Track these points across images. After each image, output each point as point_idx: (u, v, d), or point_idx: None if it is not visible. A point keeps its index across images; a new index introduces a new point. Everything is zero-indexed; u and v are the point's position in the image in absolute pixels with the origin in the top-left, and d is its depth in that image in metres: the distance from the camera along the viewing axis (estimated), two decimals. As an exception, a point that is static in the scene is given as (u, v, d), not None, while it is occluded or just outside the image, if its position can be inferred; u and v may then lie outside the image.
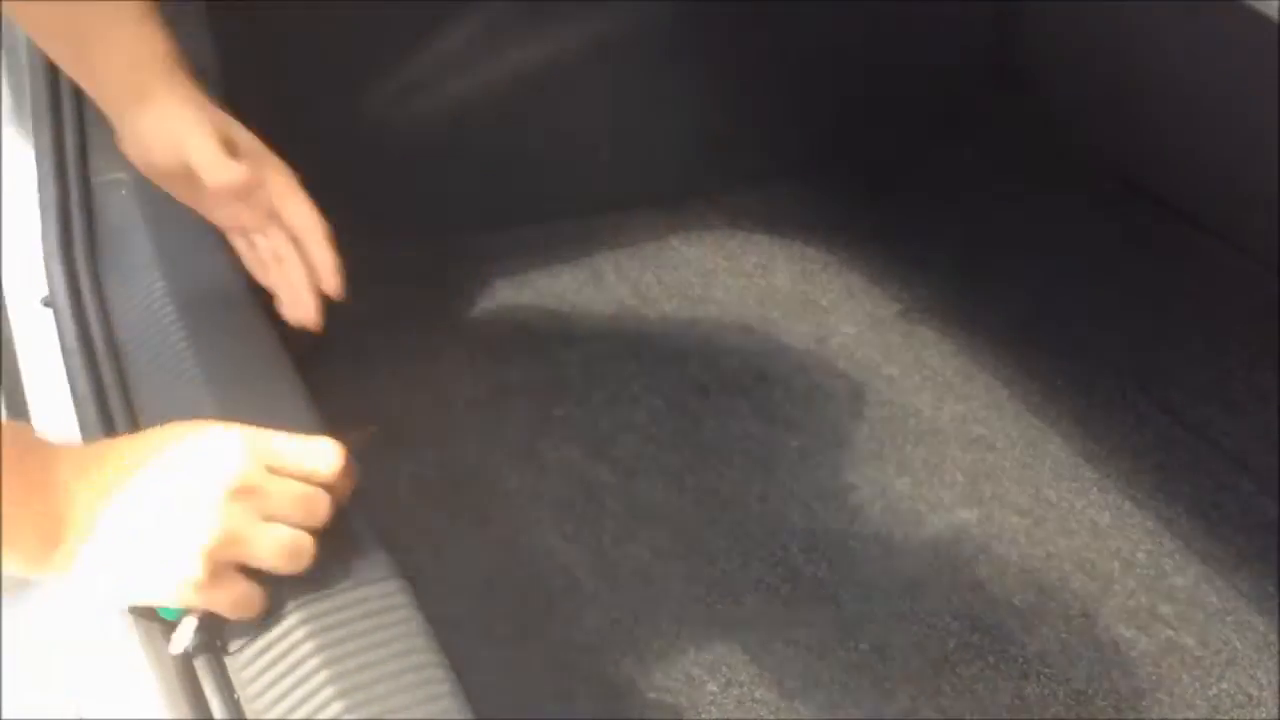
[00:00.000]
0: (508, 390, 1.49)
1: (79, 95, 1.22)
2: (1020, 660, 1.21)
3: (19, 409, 1.09)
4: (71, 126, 1.22)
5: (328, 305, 1.06)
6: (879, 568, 1.31)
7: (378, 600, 0.80)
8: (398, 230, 1.63)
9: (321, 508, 0.77)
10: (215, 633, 0.76)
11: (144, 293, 1.10)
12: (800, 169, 1.81)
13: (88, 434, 0.99)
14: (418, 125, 1.64)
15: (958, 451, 1.44)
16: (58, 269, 1.13)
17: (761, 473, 1.41)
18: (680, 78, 1.71)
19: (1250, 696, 1.19)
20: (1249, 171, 1.59)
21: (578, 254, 1.70)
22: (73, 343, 1.07)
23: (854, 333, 1.60)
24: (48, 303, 1.13)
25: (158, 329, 1.07)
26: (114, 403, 1.01)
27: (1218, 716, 1.17)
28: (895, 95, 1.84)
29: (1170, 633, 1.25)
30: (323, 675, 0.72)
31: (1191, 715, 1.17)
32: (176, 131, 0.95)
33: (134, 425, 1.00)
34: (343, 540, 0.81)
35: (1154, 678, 1.20)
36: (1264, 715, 1.16)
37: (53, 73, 1.22)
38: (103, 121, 1.18)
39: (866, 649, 1.22)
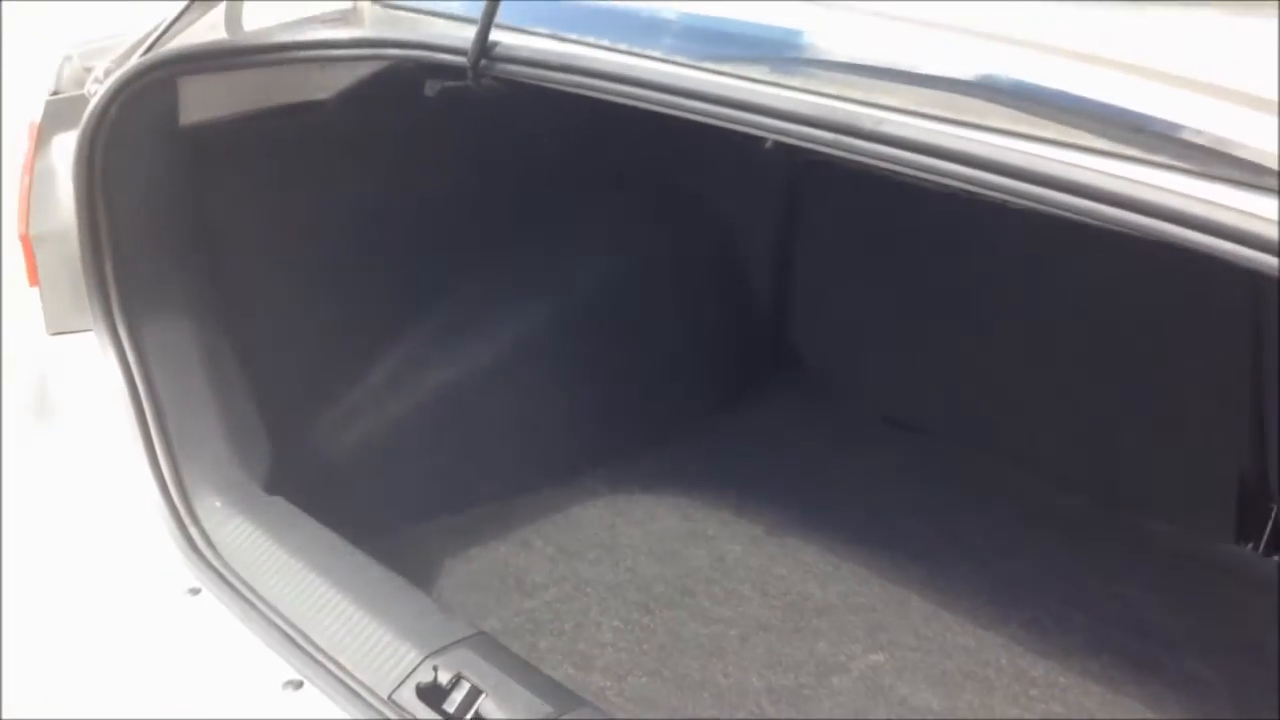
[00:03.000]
0: (495, 636, 1.82)
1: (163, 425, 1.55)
2: (953, 742, 1.65)
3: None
4: (164, 453, 1.54)
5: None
6: (829, 704, 1.72)
7: None
8: (350, 531, 1.96)
9: None
10: None
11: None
12: (656, 441, 2.28)
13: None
14: (358, 443, 2.00)
15: (851, 616, 1.89)
16: (201, 565, 1.44)
17: (717, 657, 1.80)
18: (561, 380, 2.17)
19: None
20: (988, 408, 2.21)
21: (504, 530, 2.07)
22: (245, 611, 1.37)
23: (740, 549, 2.05)
24: (195, 590, 1.43)
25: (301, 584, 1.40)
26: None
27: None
28: (713, 378, 2.38)
29: (1043, 705, 1.72)
30: None
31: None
32: None
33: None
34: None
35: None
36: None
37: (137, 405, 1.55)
38: (193, 445, 1.53)
39: (841, 762, 1.62)
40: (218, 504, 1.54)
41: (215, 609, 1.41)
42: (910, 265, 2.24)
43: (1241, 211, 0.92)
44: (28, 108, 1.62)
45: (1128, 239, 1.02)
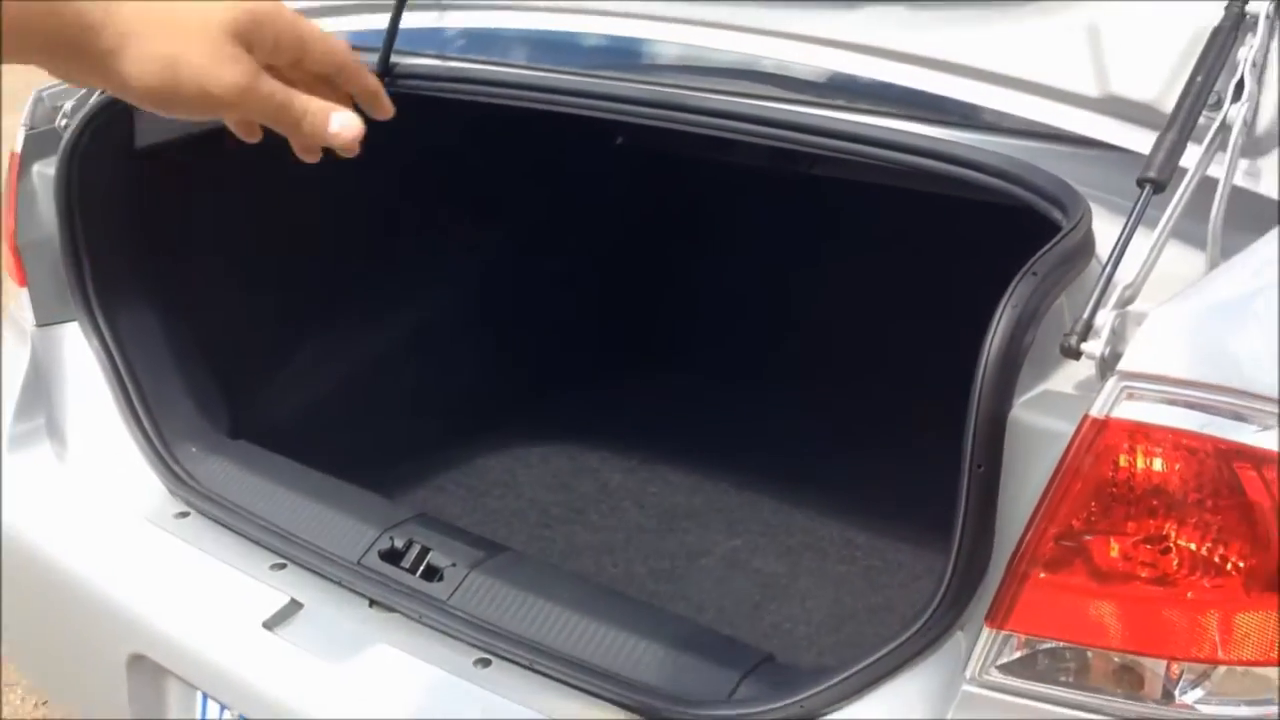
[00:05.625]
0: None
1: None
2: (796, 594, 2.09)
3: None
4: (144, 413, 1.89)
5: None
6: (698, 577, 2.15)
7: None
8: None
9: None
10: None
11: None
12: (546, 399, 2.68)
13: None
14: (293, 413, 2.35)
15: (712, 515, 2.33)
16: (186, 491, 1.80)
17: (606, 554, 2.22)
18: (465, 352, 2.55)
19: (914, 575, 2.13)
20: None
21: (420, 481, 2.45)
22: (229, 518, 1.74)
23: (620, 477, 2.47)
24: (184, 514, 1.78)
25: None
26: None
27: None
28: (593, 343, 2.80)
29: (865, 562, 2.18)
30: None
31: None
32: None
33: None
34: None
35: (854, 576, 2.13)
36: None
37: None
38: (167, 406, 1.88)
39: (712, 615, 2.05)
40: (193, 449, 1.89)
41: (201, 525, 1.77)
42: (757, 242, 2.71)
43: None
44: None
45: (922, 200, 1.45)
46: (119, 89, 0.78)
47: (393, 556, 1.63)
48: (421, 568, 1.61)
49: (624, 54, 1.83)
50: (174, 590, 1.69)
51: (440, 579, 1.59)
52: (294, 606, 1.60)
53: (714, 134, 1.58)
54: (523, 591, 1.55)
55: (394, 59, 1.83)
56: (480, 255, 2.57)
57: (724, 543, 2.25)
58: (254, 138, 0.91)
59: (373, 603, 1.59)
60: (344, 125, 0.86)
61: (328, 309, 2.34)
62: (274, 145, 2.09)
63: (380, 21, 1.83)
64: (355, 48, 1.98)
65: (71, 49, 0.76)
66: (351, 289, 2.36)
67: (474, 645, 1.50)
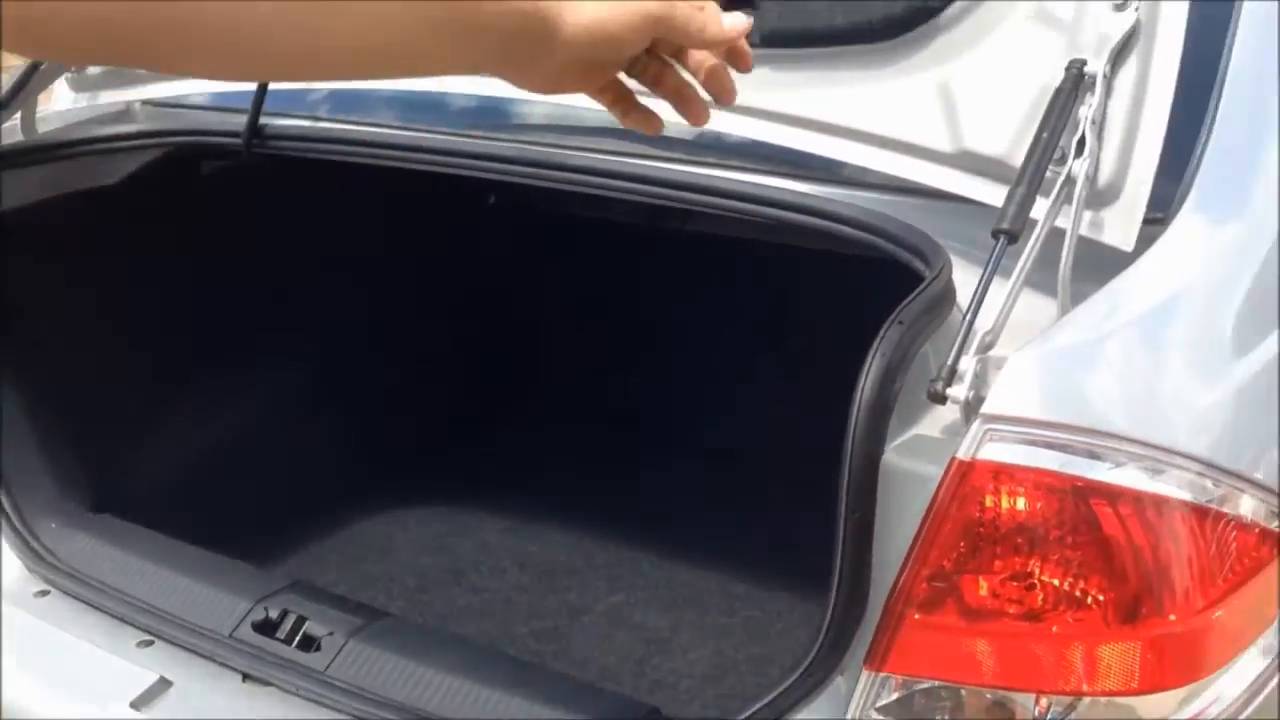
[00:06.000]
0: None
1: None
2: (679, 648, 2.10)
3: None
4: (4, 492, 1.83)
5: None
6: (581, 636, 2.14)
7: None
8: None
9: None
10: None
11: None
12: (422, 459, 2.65)
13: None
14: (160, 483, 2.28)
15: (593, 573, 2.32)
16: (46, 569, 1.74)
17: (486, 617, 2.20)
18: (335, 415, 2.51)
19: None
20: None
21: (294, 549, 2.39)
22: (92, 595, 1.68)
23: (499, 537, 2.45)
24: (44, 592, 1.72)
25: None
26: None
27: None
28: (469, 401, 2.79)
29: (745, 612, 2.19)
30: None
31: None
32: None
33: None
34: None
35: (734, 628, 2.14)
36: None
37: None
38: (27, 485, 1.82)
39: (596, 672, 2.04)
40: (53, 524, 1.83)
41: (63, 603, 1.70)
42: (632, 299, 2.73)
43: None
44: None
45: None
46: (566, 38, 0.89)
47: (267, 628, 1.60)
48: (298, 638, 1.58)
49: (493, 113, 1.85)
50: (35, 672, 1.63)
51: (317, 649, 1.56)
52: (163, 684, 1.55)
53: (586, 191, 1.60)
54: (403, 658, 1.52)
55: (262, 120, 1.82)
56: (347, 320, 2.54)
57: (605, 599, 2.25)
58: (655, 130, 1.03)
59: (246, 676, 1.55)
60: (735, 21, 0.96)
61: (189, 379, 2.29)
62: (134, 210, 2.06)
63: (248, 84, 1.81)
64: (221, 109, 2.00)
65: (523, 28, 0.87)
66: (213, 358, 2.31)
67: (354, 716, 1.47)
